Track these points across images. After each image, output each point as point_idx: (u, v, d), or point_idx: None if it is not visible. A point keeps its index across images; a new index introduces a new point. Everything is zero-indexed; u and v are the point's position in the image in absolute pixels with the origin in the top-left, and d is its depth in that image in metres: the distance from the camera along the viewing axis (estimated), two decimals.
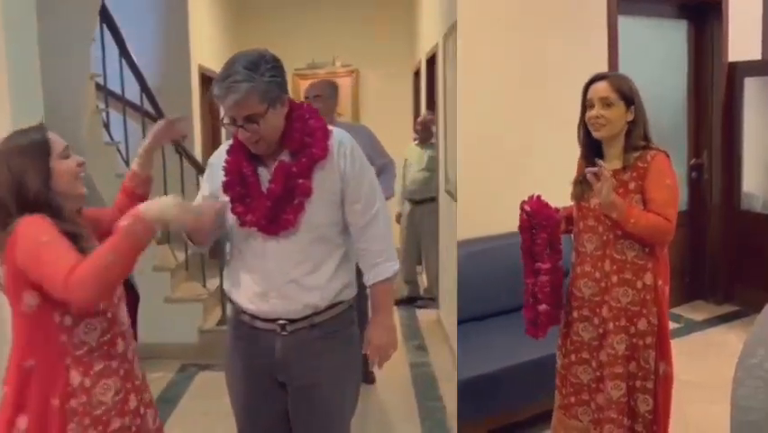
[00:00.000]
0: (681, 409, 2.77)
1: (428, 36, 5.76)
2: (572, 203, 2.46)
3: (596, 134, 2.31)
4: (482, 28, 3.60)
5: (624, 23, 4.21)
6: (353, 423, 2.16)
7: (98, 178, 3.65)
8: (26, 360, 1.64)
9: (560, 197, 2.46)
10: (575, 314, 2.43)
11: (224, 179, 1.95)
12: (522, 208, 2.42)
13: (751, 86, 4.79)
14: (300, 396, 2.01)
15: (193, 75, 5.88)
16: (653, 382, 2.31)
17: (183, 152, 4.64)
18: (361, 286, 2.09)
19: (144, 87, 4.86)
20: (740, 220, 4.86)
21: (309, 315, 1.96)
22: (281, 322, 1.96)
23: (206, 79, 5.90)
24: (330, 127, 1.97)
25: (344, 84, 7.58)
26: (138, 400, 1.78)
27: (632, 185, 2.28)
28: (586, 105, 2.33)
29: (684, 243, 4.71)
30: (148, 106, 4.87)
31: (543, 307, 2.42)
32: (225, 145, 2.02)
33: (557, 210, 2.44)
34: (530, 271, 2.45)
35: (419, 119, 5.94)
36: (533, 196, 2.42)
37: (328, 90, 3.78)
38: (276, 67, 1.85)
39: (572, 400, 2.48)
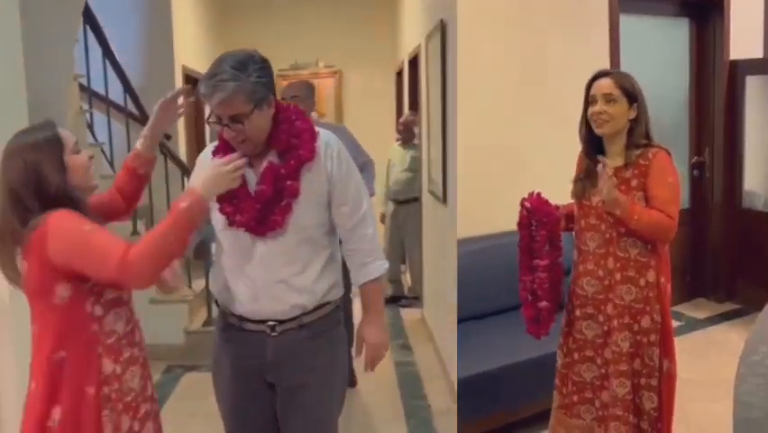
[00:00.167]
0: (682, 407, 2.75)
1: (411, 36, 5.75)
2: (572, 201, 2.46)
3: (598, 131, 2.30)
4: (482, 25, 3.58)
5: (625, 20, 4.20)
6: (339, 422, 2.16)
7: None
8: (57, 352, 1.68)
9: (560, 194, 2.46)
10: (578, 312, 2.42)
11: None
12: (522, 205, 2.42)
13: (752, 84, 4.78)
14: (289, 396, 2.01)
15: (177, 75, 5.82)
16: (658, 380, 2.31)
17: (168, 152, 4.61)
18: (346, 288, 2.09)
19: (128, 88, 4.83)
20: (741, 218, 4.84)
21: (298, 315, 1.96)
22: (271, 323, 1.96)
23: (190, 80, 5.87)
24: (317, 129, 1.97)
25: (327, 85, 7.61)
26: (152, 388, 1.87)
27: (634, 182, 2.27)
28: (588, 101, 2.32)
29: (686, 241, 4.70)
30: (132, 107, 4.85)
31: (543, 303, 2.42)
32: (212, 146, 2.01)
33: (557, 207, 2.44)
34: (526, 269, 2.44)
35: (401, 120, 5.93)
36: (533, 192, 2.43)
37: (305, 91, 3.77)
38: (264, 68, 1.85)
39: (575, 398, 2.46)
